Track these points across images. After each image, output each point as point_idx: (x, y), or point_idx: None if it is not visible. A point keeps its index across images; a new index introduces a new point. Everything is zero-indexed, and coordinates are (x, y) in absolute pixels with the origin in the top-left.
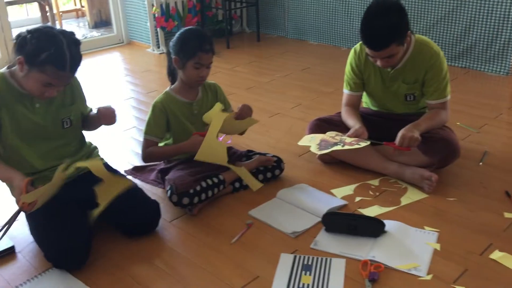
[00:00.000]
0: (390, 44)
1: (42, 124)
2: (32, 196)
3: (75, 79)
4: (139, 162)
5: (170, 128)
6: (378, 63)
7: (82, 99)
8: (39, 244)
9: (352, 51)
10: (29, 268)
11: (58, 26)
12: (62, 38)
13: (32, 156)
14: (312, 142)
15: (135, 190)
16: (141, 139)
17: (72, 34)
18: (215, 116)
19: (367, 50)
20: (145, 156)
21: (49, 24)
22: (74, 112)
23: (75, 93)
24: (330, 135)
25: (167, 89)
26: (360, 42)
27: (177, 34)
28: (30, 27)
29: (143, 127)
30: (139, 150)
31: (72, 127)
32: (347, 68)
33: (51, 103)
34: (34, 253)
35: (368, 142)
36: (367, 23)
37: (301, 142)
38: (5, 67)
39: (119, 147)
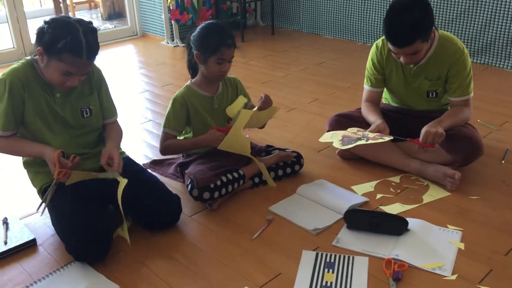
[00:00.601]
0: (415, 41)
1: (62, 114)
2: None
3: (97, 73)
4: (155, 156)
5: (191, 122)
6: (402, 59)
7: (107, 99)
8: (60, 236)
9: (373, 46)
10: (51, 261)
11: None
12: (78, 26)
13: (55, 141)
14: (334, 138)
15: (156, 184)
16: (157, 132)
17: (88, 22)
18: (242, 112)
19: (390, 46)
20: (163, 149)
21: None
22: (94, 102)
23: (94, 83)
24: (351, 131)
25: (188, 82)
26: (382, 37)
27: (198, 29)
28: (47, 18)
29: (159, 120)
30: (155, 143)
31: (92, 116)
32: (368, 63)
33: (71, 93)
34: (55, 246)
35: (392, 137)
36: (391, 19)
37: (323, 139)
38: (30, 57)
39: (135, 140)
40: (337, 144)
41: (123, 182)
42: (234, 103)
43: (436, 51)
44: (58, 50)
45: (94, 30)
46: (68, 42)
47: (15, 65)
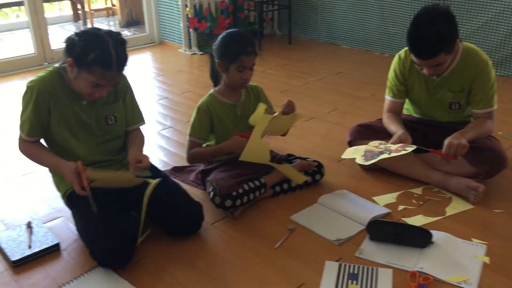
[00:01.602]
0: (439, 53)
1: (87, 122)
2: (94, 174)
3: (123, 80)
4: (175, 162)
5: (214, 130)
6: (425, 71)
7: (133, 105)
8: (84, 242)
9: (396, 57)
10: (74, 266)
11: (89, 25)
12: (108, 38)
13: (80, 148)
14: (356, 154)
15: (179, 191)
16: (176, 139)
17: (118, 34)
18: (260, 118)
19: (413, 58)
20: (189, 158)
21: (91, 26)
22: (118, 109)
23: (119, 90)
24: (373, 145)
25: (211, 91)
26: (405, 48)
27: (219, 38)
28: (78, 30)
29: (178, 127)
30: (174, 150)
31: (117, 123)
32: (391, 74)
33: (96, 101)
34: (79, 251)
35: (415, 147)
36: (415, 31)
37: (345, 155)
38: (58, 64)
39: (154, 147)
40: (360, 160)
41: (154, 182)
42: (255, 112)
43: (460, 63)
44: (89, 63)
45: (123, 42)
46: (98, 55)
47: (42, 73)
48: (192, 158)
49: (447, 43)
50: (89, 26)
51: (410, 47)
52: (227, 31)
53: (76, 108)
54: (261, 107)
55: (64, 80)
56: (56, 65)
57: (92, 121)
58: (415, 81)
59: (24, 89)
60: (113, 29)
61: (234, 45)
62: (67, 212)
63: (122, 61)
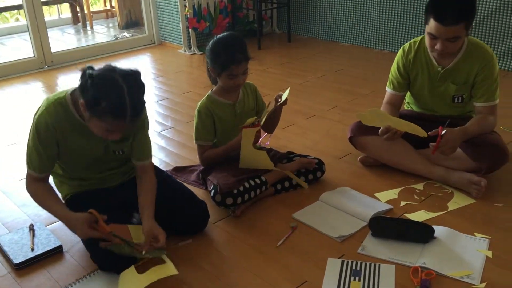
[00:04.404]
0: (462, 21)
1: (94, 152)
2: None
3: (144, 119)
4: (176, 163)
5: (216, 130)
6: (438, 46)
7: (143, 141)
8: (85, 246)
9: (400, 50)
10: (77, 267)
11: (88, 27)
12: (123, 84)
13: (84, 171)
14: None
15: (184, 190)
16: (177, 139)
17: (135, 76)
18: (243, 132)
19: (432, 27)
20: (202, 161)
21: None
22: (128, 146)
23: (134, 130)
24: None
25: (209, 92)
26: (409, 42)
27: (209, 44)
28: (94, 68)
29: (179, 127)
30: (175, 150)
31: (124, 154)
32: (393, 67)
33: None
34: (81, 253)
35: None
36: None
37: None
38: (71, 91)
39: (155, 148)
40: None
41: (170, 268)
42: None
43: (465, 55)
44: (100, 111)
45: (141, 86)
46: (111, 104)
47: (48, 106)
48: (206, 160)
49: (470, 15)
50: (88, 28)
51: (434, 10)
52: (217, 37)
53: (82, 139)
54: (250, 120)
55: (71, 113)
56: (67, 91)
57: (100, 153)
58: (419, 73)
59: (24, 92)
60: (112, 31)
61: (222, 54)
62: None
63: (137, 110)
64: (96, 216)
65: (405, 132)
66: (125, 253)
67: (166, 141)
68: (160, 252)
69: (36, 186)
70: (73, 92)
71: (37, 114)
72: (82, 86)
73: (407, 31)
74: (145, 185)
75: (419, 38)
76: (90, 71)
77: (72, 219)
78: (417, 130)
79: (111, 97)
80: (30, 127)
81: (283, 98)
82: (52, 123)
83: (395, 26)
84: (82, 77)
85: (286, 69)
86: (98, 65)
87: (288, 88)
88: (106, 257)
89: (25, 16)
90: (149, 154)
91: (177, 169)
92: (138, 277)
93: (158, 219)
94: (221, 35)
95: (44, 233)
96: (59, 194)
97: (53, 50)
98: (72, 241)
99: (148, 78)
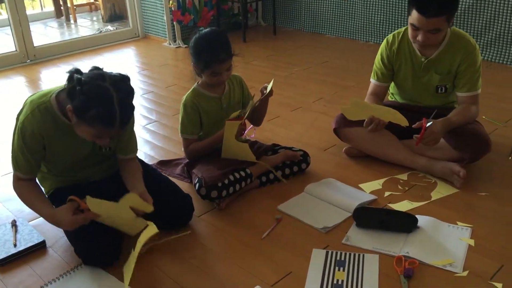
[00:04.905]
0: (442, 14)
1: (81, 152)
2: (96, 206)
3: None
4: (161, 156)
5: (202, 123)
6: (419, 37)
7: (130, 136)
8: (69, 240)
9: (384, 41)
10: (61, 263)
11: (72, 20)
12: (112, 92)
13: (62, 167)
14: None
15: (168, 183)
16: (162, 133)
17: (125, 82)
18: (227, 124)
19: (414, 18)
20: (188, 154)
21: (101, 70)
22: (114, 143)
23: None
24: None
25: (195, 85)
26: (393, 32)
27: (192, 40)
28: (84, 72)
29: (164, 121)
30: (160, 144)
31: (110, 150)
32: (377, 57)
33: None
34: (65, 248)
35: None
36: None
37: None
38: (55, 93)
39: (140, 141)
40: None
41: (153, 229)
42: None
43: (448, 45)
44: (89, 119)
45: (130, 93)
46: (100, 113)
47: (31, 111)
48: (191, 154)
49: (452, 7)
50: (71, 21)
51: (417, 2)
52: (200, 33)
53: (69, 140)
54: (235, 113)
55: (57, 116)
56: (52, 94)
57: (86, 151)
58: (402, 64)
59: (6, 87)
60: (96, 24)
61: (204, 53)
62: None
63: (126, 117)
64: (78, 201)
65: (389, 123)
66: (119, 226)
67: (151, 135)
68: (150, 228)
69: (22, 185)
70: (58, 94)
71: (21, 117)
72: (70, 92)
73: (392, 22)
74: (131, 169)
75: (402, 29)
76: (79, 76)
77: (56, 214)
78: (399, 119)
79: (101, 106)
80: (15, 129)
81: (268, 89)
82: (39, 130)
83: (380, 18)
84: (70, 81)
85: (271, 61)
86: (82, 60)
87: (272, 80)
88: (90, 251)
89: (6, 9)
90: (135, 149)
91: (162, 163)
92: (133, 254)
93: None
94: (203, 31)
95: (26, 229)
96: (43, 189)
97: (35, 44)
98: (55, 236)
99: (133, 72)
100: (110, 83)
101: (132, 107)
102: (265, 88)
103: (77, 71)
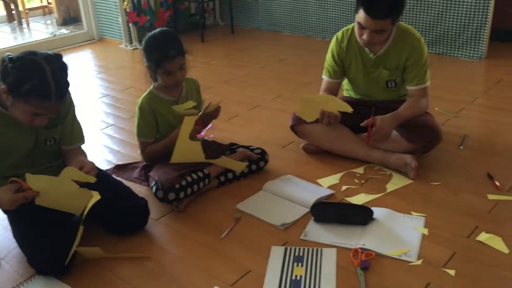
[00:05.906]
0: (390, 16)
1: (25, 144)
2: (36, 182)
3: (67, 101)
4: (118, 161)
5: (158, 126)
6: (365, 36)
7: (73, 125)
8: (22, 249)
9: (334, 38)
10: (14, 274)
11: (24, 24)
12: (46, 65)
13: (6, 166)
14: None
15: (122, 188)
16: (119, 137)
17: (58, 58)
18: (185, 119)
19: (361, 18)
20: (145, 157)
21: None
22: (58, 132)
23: (61, 114)
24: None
25: (151, 87)
26: (343, 29)
27: (143, 42)
28: (13, 54)
29: (121, 125)
30: (117, 148)
31: (55, 143)
32: (328, 55)
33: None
34: (18, 259)
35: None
36: None
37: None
38: None
39: (96, 146)
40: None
41: (96, 196)
42: (182, 105)
43: (395, 41)
44: (24, 93)
45: (64, 68)
46: (35, 84)
47: None
48: (148, 156)
49: (398, 10)
50: (24, 25)
51: (365, 1)
52: (149, 34)
53: (13, 132)
54: (188, 104)
55: None
56: None
57: (31, 143)
58: (353, 60)
59: None
60: (50, 28)
61: (154, 51)
62: (5, 220)
63: (62, 90)
64: (19, 182)
65: (343, 117)
66: (62, 205)
67: (108, 139)
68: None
69: None
70: None
71: None
72: (3, 72)
73: (347, 19)
74: (76, 156)
75: (351, 25)
76: (10, 56)
77: None
78: (342, 105)
79: (35, 77)
80: None
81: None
82: None
83: (335, 15)
84: (2, 63)
85: (230, 60)
86: None
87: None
88: (43, 260)
89: None
90: (81, 138)
91: (118, 167)
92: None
93: (96, 219)
94: (152, 32)
95: None
96: None
97: None
98: (7, 248)
99: (90, 75)
100: (42, 58)
101: (67, 82)
102: (208, 106)
103: (9, 55)
